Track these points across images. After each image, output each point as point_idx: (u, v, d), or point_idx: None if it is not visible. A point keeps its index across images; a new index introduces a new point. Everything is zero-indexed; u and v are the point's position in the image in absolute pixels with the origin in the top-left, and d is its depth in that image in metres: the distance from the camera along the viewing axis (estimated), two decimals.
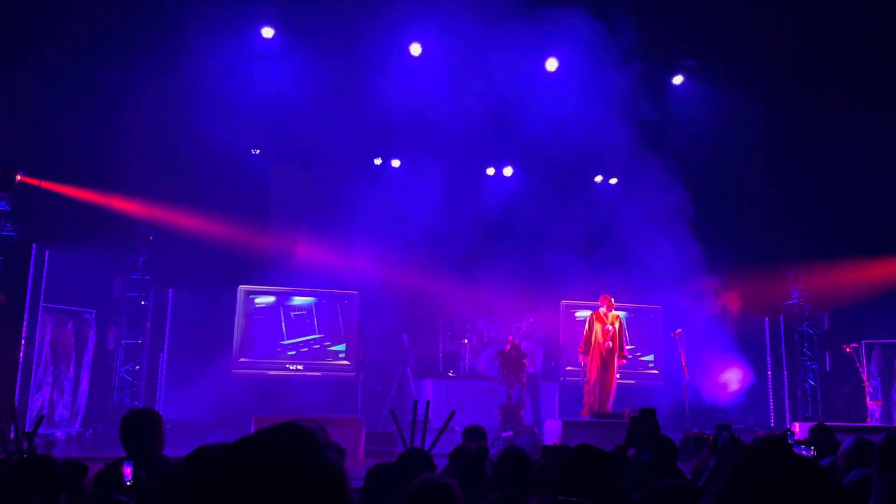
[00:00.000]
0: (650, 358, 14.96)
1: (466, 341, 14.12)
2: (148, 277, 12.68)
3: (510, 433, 9.99)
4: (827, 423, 6.32)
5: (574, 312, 14.39)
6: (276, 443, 1.07)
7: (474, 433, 5.29)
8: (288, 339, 13.59)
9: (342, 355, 13.75)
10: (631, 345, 14.68)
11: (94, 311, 11.99)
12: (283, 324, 13.59)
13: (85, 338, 11.85)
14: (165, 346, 12.86)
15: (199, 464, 2.31)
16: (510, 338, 12.23)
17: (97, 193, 12.03)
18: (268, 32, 11.85)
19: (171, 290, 13.00)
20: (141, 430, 3.41)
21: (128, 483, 2.96)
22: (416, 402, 5.91)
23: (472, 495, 3.11)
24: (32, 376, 10.38)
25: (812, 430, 5.75)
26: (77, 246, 10.94)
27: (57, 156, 11.04)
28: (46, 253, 10.36)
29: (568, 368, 13.87)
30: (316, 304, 13.81)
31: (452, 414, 6.47)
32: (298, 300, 13.76)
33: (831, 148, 12.34)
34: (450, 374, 13.77)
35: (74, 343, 11.64)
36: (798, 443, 4.34)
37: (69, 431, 11.23)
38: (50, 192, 11.32)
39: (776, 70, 11.91)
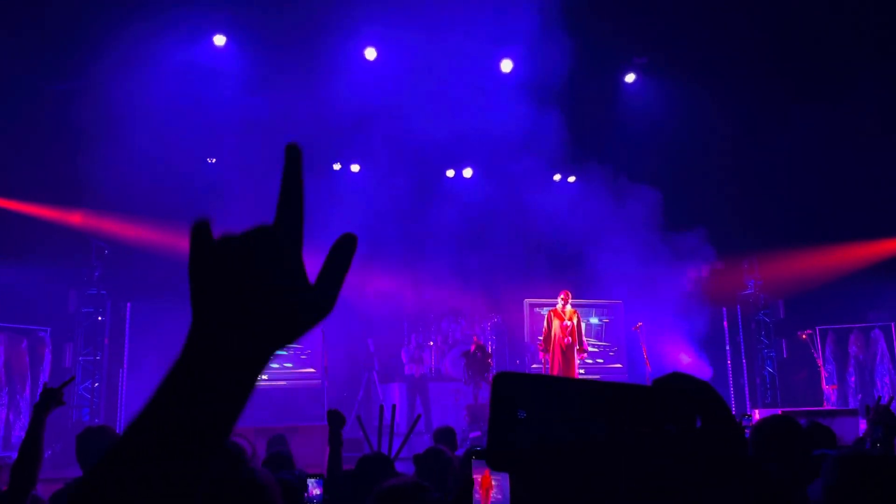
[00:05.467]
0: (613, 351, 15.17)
1: (432, 343, 14.12)
2: (104, 292, 12.39)
3: (478, 433, 10.03)
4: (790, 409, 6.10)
5: (535, 309, 14.53)
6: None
7: (445, 435, 5.30)
8: None
9: (306, 363, 13.62)
10: (604, 342, 14.89)
11: (48, 329, 11.69)
12: None
13: (40, 356, 11.54)
14: (125, 361, 12.58)
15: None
16: (475, 338, 12.27)
17: (48, 207, 11.72)
18: (220, 40, 11.70)
19: (128, 304, 12.73)
20: (97, 448, 3.34)
21: None
22: (381, 407, 5.89)
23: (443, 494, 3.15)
24: None
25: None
26: (28, 262, 10.64)
27: (3, 170, 10.73)
28: None
29: (534, 366, 13.97)
30: None
31: (418, 417, 6.48)
32: None
33: (779, 141, 12.67)
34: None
35: (29, 362, 11.33)
36: None
37: None
38: None
39: (725, 66, 12.19)
